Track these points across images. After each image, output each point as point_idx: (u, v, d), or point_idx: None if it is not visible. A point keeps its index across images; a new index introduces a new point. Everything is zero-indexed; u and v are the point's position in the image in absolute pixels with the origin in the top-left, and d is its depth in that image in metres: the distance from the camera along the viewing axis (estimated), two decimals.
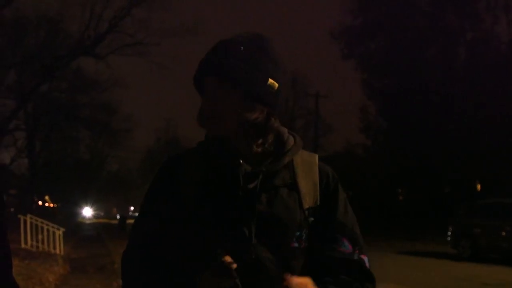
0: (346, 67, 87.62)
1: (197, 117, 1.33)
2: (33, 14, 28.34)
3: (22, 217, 14.43)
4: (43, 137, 37.11)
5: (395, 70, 29.87)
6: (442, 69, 28.92)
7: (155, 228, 1.35)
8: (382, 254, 13.71)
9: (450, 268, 12.61)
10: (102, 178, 58.04)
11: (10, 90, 29.98)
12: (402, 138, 28.76)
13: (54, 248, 14.95)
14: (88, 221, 60.87)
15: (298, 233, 1.32)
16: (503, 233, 13.89)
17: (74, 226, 35.50)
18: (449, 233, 15.94)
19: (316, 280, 1.28)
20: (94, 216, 75.89)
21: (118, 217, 41.64)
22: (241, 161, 1.31)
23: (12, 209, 29.42)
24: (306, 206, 1.35)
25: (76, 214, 60.22)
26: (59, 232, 15.46)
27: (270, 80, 1.29)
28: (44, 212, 36.80)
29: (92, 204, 69.60)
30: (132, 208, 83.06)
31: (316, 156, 1.43)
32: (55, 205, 56.80)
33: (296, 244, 1.32)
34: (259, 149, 1.33)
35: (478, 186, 26.64)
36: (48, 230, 15.38)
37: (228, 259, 1.17)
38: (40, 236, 15.12)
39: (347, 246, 1.35)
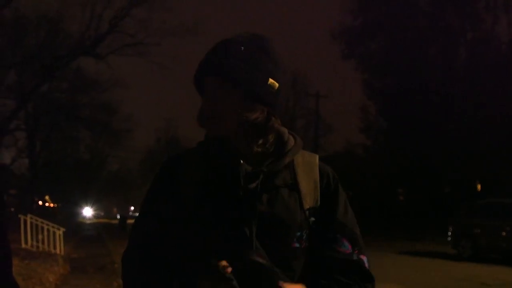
0: (346, 67, 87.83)
1: (197, 117, 1.33)
2: (33, 14, 28.36)
3: (22, 217, 14.42)
4: (43, 137, 37.15)
5: (395, 70, 29.85)
6: (442, 69, 28.93)
7: (155, 228, 1.35)
8: (382, 254, 13.71)
9: (450, 268, 12.59)
10: (102, 178, 58.09)
11: (10, 90, 30.00)
12: (402, 138, 28.74)
13: (54, 248, 14.95)
14: (88, 221, 60.78)
15: (299, 233, 1.32)
16: (503, 233, 13.90)
17: (74, 226, 35.43)
18: (449, 233, 15.92)
19: (315, 282, 1.28)
20: (94, 216, 75.80)
21: (118, 217, 41.60)
22: (241, 161, 1.31)
23: (12, 209, 29.40)
24: (306, 206, 1.35)
25: (76, 214, 60.18)
26: (59, 232, 15.45)
27: (270, 80, 1.29)
28: (44, 212, 36.80)
29: (93, 204, 69.61)
30: (132, 208, 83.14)
31: (317, 157, 1.43)
32: (56, 205, 56.81)
33: (297, 245, 1.32)
34: (260, 149, 1.32)
35: (478, 186, 26.62)
36: (48, 230, 15.37)
37: (223, 263, 1.17)
38: (40, 236, 15.11)
39: (346, 246, 1.35)
